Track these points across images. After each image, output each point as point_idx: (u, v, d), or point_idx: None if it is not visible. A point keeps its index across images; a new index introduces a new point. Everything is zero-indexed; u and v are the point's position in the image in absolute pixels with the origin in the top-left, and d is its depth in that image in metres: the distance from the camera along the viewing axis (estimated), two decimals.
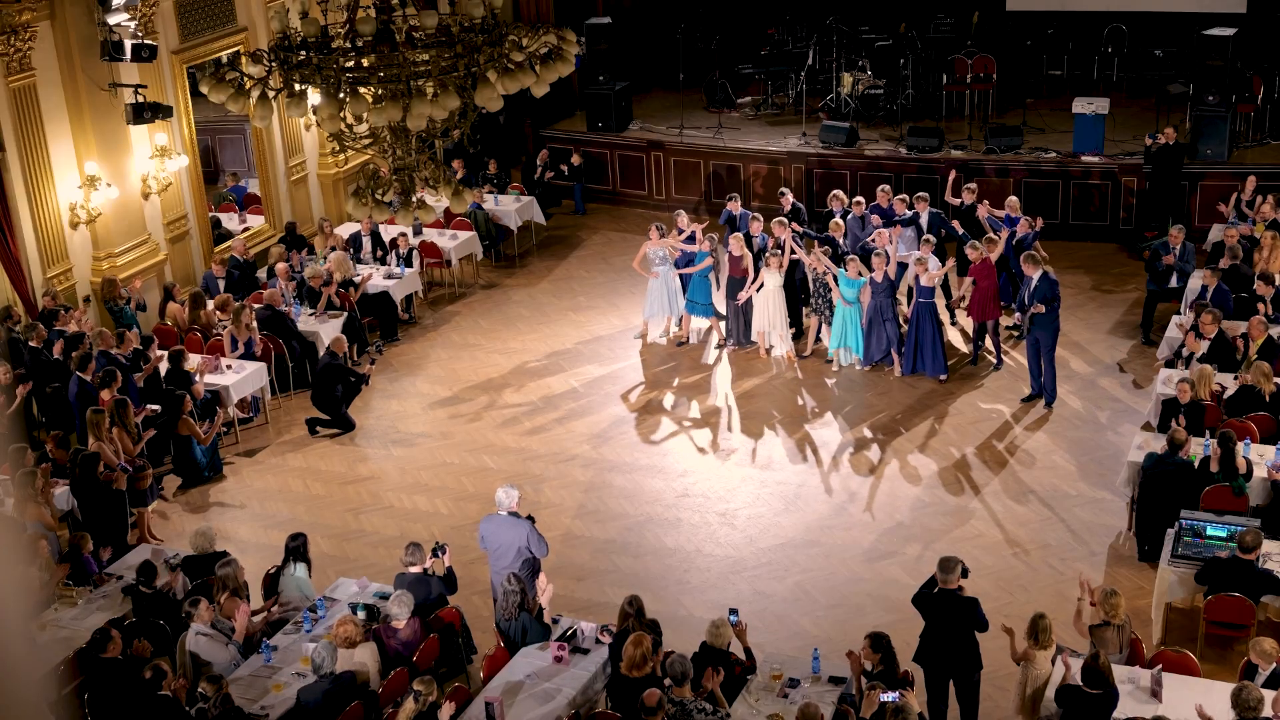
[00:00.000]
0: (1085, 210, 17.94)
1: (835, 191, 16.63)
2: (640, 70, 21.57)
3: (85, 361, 13.16)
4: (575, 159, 20.04)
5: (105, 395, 12.77)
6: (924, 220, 15.60)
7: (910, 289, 14.98)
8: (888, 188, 16.38)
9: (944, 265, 15.03)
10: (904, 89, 19.66)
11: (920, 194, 15.99)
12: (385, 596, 10.12)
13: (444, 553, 10.25)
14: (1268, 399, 11.87)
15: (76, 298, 14.87)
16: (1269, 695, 8.29)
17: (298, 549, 10.64)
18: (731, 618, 9.28)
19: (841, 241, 15.49)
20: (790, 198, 16.52)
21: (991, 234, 14.79)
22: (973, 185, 16.15)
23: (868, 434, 13.76)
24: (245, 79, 9.01)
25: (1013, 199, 15.85)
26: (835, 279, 14.60)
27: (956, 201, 16.06)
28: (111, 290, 14.83)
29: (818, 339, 15.29)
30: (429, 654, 9.75)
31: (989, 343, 14.87)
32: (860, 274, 14.51)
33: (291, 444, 14.26)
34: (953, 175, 16.86)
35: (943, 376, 14.54)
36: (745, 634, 9.31)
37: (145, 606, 10.19)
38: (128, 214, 15.50)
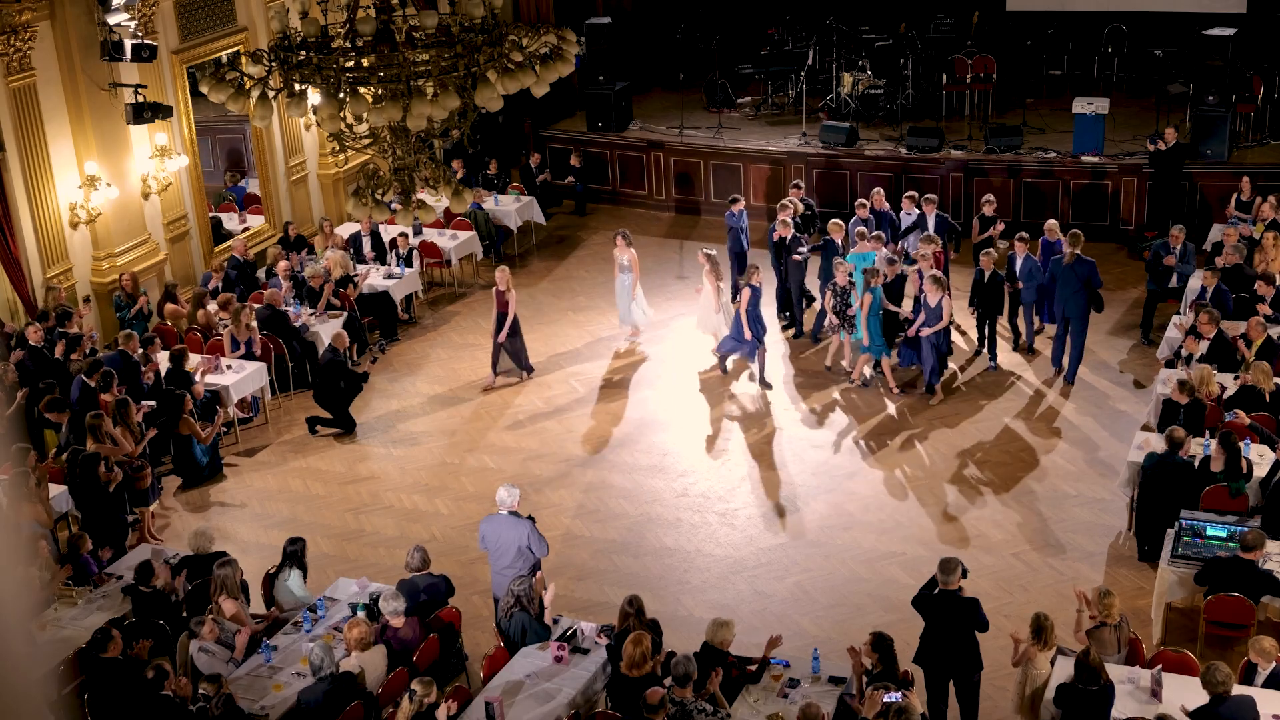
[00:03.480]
0: (1085, 210, 17.92)
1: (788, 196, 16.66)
2: (640, 70, 21.56)
3: (95, 368, 13.08)
4: (574, 160, 20.03)
5: (106, 398, 12.76)
6: (930, 222, 15.67)
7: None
8: (880, 190, 16.40)
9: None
10: (904, 89, 19.66)
11: (927, 196, 16.00)
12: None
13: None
14: (1268, 398, 11.87)
15: (76, 298, 14.87)
16: (1266, 694, 8.31)
17: (295, 554, 10.62)
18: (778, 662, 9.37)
19: (840, 242, 15.48)
20: (800, 193, 16.62)
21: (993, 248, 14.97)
22: (990, 198, 16.16)
23: (867, 434, 13.76)
24: (245, 79, 9.02)
25: (1051, 222, 15.35)
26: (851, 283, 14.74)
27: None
28: (134, 286, 14.88)
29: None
30: (429, 654, 9.75)
31: (973, 333, 15.14)
32: (872, 248, 14.77)
33: (291, 444, 14.26)
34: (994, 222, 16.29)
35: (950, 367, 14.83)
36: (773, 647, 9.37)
37: (144, 606, 10.19)
38: (128, 214, 15.50)
